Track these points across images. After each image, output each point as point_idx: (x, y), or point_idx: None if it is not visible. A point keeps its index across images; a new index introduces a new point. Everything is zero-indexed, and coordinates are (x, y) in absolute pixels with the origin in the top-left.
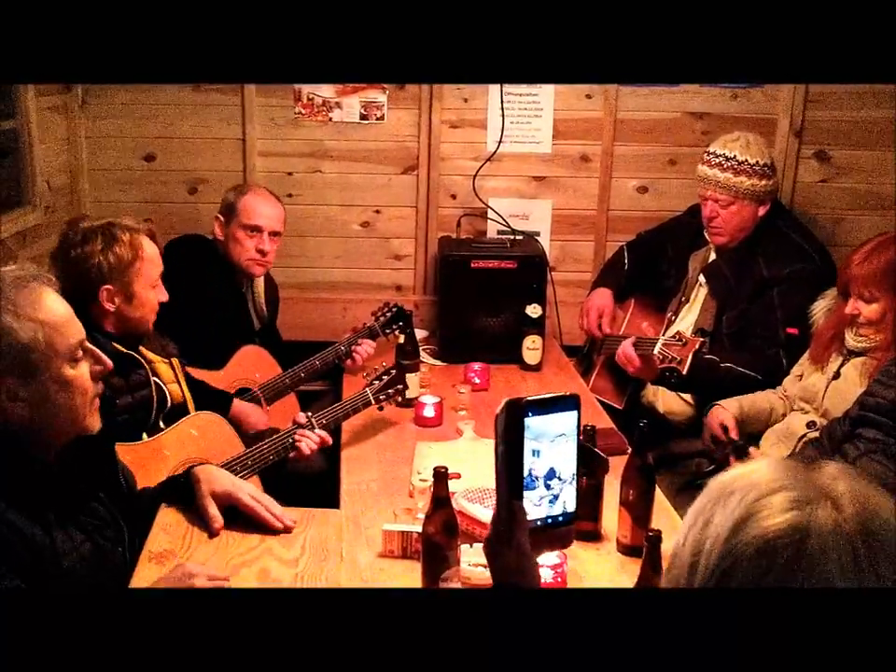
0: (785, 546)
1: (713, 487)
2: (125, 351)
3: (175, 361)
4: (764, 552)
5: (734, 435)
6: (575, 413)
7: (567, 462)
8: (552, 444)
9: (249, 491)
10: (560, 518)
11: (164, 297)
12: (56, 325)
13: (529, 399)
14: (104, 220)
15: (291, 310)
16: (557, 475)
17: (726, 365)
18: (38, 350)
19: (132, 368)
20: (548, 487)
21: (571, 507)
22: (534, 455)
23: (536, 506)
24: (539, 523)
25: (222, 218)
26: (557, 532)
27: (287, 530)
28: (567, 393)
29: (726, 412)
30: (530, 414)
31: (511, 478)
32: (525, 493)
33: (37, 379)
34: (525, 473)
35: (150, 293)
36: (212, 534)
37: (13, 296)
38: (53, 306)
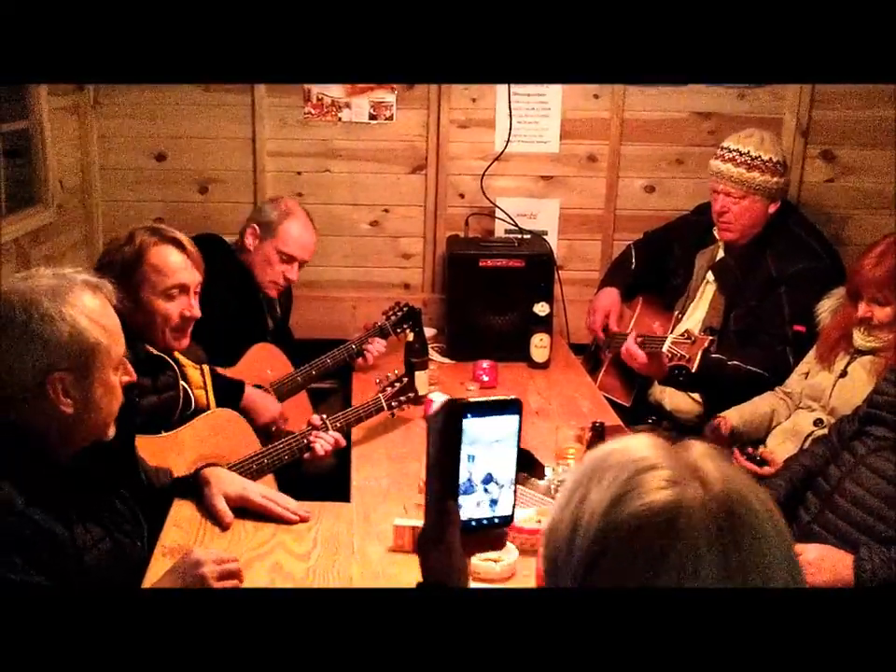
0: (658, 524)
1: (587, 464)
2: (155, 353)
3: (205, 368)
4: (639, 528)
5: (724, 436)
6: (516, 417)
7: (504, 466)
8: (488, 449)
9: (260, 491)
10: (495, 520)
11: (191, 312)
12: (113, 334)
13: (469, 400)
14: (142, 226)
15: (300, 308)
16: (494, 479)
17: (734, 363)
18: (99, 354)
19: (161, 370)
20: (486, 491)
21: (507, 510)
22: (469, 460)
23: (474, 509)
24: (472, 523)
25: (258, 231)
26: (491, 534)
27: (304, 520)
28: (511, 397)
29: (723, 419)
30: (469, 416)
31: (445, 478)
32: (464, 497)
33: (90, 380)
34: (464, 479)
35: (160, 303)
36: (224, 528)
37: (86, 299)
38: (113, 315)
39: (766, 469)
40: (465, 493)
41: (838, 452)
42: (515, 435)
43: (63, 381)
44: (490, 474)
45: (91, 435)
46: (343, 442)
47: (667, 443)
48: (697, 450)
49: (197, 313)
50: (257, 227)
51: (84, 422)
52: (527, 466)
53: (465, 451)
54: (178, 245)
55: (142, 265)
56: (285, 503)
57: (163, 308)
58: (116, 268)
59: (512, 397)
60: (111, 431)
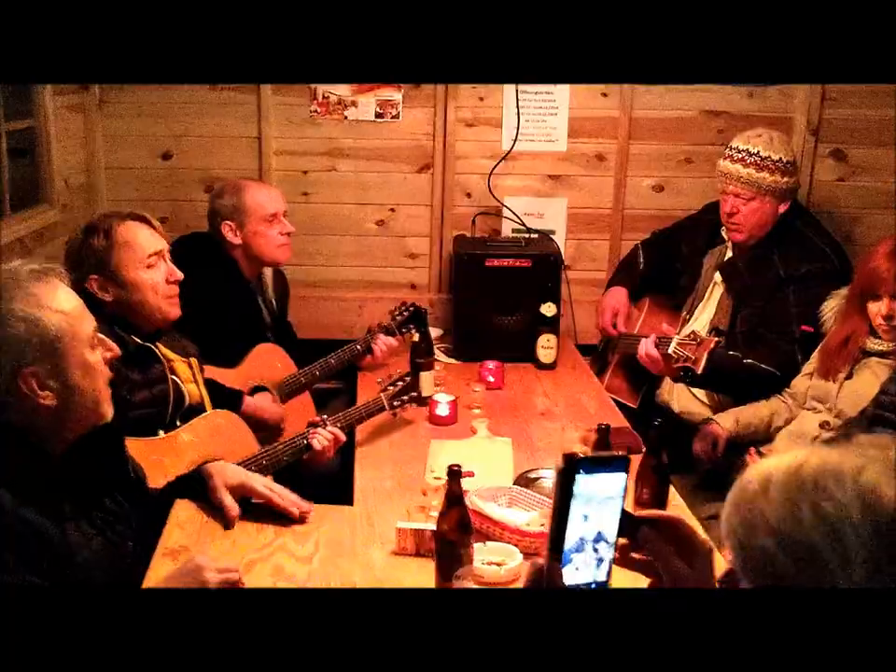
0: None
1: (796, 484)
2: (142, 344)
3: (193, 361)
4: None
5: (720, 450)
6: (624, 475)
7: (611, 524)
8: (599, 507)
9: (262, 481)
10: (592, 585)
11: (174, 275)
12: (75, 314)
13: (582, 456)
14: (96, 216)
15: (306, 308)
16: (604, 538)
17: (748, 361)
18: (65, 339)
19: (149, 362)
20: (595, 551)
21: (606, 574)
22: (584, 519)
23: (581, 569)
24: (579, 587)
25: (232, 223)
26: None
27: (304, 515)
28: (619, 454)
29: (718, 427)
30: (582, 472)
31: (554, 534)
32: (575, 555)
33: (64, 366)
34: (577, 538)
35: (145, 274)
36: (229, 524)
37: (34, 289)
38: (70, 297)
39: None
40: (576, 551)
41: None
42: (622, 493)
43: (35, 375)
44: (600, 533)
45: (86, 418)
46: (343, 437)
47: (836, 448)
48: (862, 440)
49: (179, 274)
50: (229, 221)
51: (72, 408)
52: (628, 530)
53: (581, 510)
54: (138, 218)
55: (114, 247)
56: (286, 495)
57: (148, 279)
58: (90, 262)
59: (621, 454)
60: (107, 412)
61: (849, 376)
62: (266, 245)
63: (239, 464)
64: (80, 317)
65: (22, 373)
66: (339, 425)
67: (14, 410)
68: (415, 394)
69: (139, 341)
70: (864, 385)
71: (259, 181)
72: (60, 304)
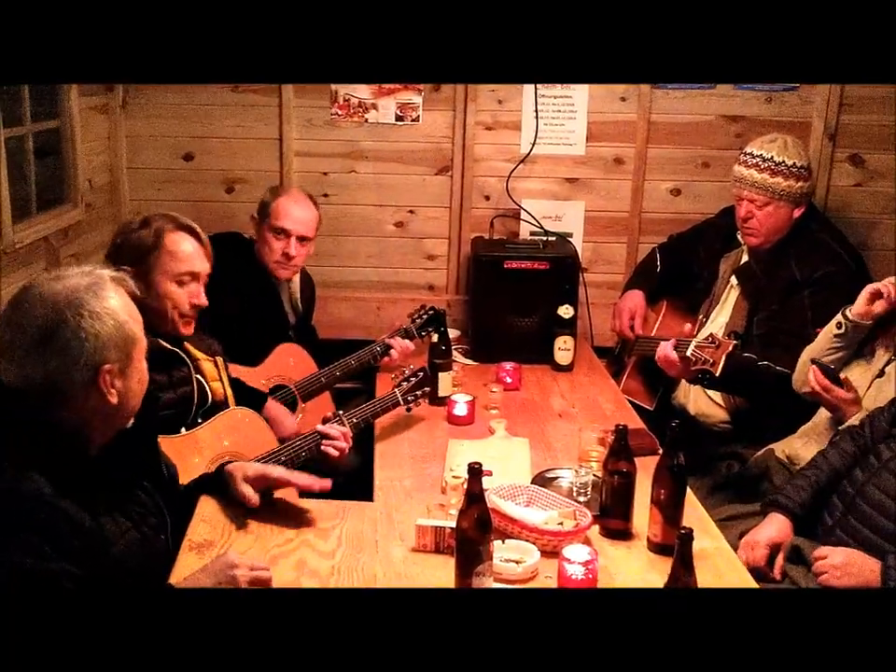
0: None
1: None
2: (169, 348)
3: (219, 360)
4: None
5: None
6: None
7: None
8: None
9: (279, 468)
10: None
11: (198, 300)
12: (141, 324)
13: None
14: (157, 213)
15: (325, 308)
16: None
17: (764, 363)
18: (137, 345)
19: (175, 364)
20: None
21: None
22: None
23: None
24: None
25: (257, 217)
26: None
27: (325, 489)
28: None
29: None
30: None
31: None
32: None
33: (129, 371)
34: None
35: (171, 287)
36: (249, 512)
37: (120, 294)
38: (135, 307)
39: (841, 392)
40: None
41: (867, 451)
42: None
43: (111, 373)
44: None
45: (121, 421)
46: (349, 434)
47: None
48: None
49: (204, 301)
50: (256, 214)
51: (122, 410)
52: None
53: None
54: (193, 232)
55: (158, 249)
56: (304, 476)
57: (174, 293)
58: (130, 251)
59: None
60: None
61: (881, 374)
62: (266, 253)
63: (258, 459)
64: (142, 328)
65: (103, 369)
66: (354, 419)
67: (83, 403)
68: (429, 389)
69: (166, 344)
70: (892, 388)
71: (305, 199)
72: (135, 312)
